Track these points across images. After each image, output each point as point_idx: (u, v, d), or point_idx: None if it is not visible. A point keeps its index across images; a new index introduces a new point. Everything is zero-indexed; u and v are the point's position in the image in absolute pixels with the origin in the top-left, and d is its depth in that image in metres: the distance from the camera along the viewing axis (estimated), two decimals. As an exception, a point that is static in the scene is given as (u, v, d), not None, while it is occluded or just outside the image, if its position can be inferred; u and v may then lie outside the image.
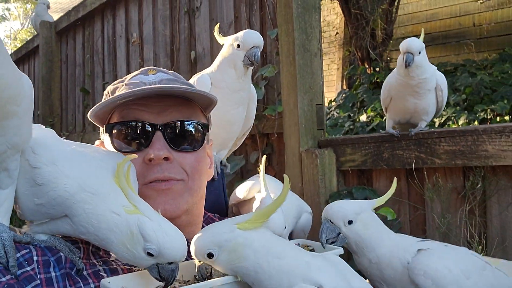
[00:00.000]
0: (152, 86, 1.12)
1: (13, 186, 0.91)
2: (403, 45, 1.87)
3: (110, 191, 0.89)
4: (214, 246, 0.84)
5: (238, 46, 1.55)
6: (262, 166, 1.14)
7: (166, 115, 1.14)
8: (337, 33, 8.91)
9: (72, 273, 0.96)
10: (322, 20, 9.45)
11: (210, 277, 0.87)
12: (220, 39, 1.63)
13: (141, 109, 1.13)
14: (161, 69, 1.26)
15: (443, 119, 4.93)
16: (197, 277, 0.91)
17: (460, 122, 4.69)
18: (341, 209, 1.22)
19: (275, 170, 2.66)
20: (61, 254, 0.97)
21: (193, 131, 1.17)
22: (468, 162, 1.88)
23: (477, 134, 1.86)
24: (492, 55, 6.68)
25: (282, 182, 1.35)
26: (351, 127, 5.81)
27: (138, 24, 3.86)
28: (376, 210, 2.19)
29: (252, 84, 1.74)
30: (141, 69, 1.28)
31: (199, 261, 0.88)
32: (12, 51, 6.61)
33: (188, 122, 1.16)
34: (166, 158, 1.11)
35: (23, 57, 5.93)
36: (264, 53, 2.71)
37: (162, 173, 1.10)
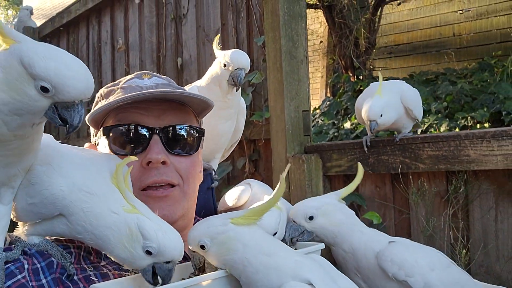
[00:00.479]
0: (153, 90, 1.13)
1: (12, 202, 0.91)
2: (364, 115, 1.94)
3: (107, 191, 0.88)
4: (207, 237, 0.86)
5: (225, 65, 1.56)
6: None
7: (163, 119, 1.15)
8: (321, 41, 9.02)
9: (63, 278, 0.95)
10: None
11: (203, 268, 0.89)
12: (216, 51, 1.64)
13: (139, 113, 1.14)
14: (155, 73, 1.28)
15: (425, 126, 5.02)
16: (190, 274, 0.93)
17: (442, 129, 4.79)
18: (300, 207, 1.27)
19: (262, 176, 2.68)
20: (53, 259, 0.96)
21: (189, 136, 1.19)
22: (451, 167, 1.92)
23: (459, 139, 1.91)
24: (472, 64, 6.84)
25: (273, 187, 1.38)
26: (335, 134, 5.87)
27: (124, 31, 3.85)
28: (362, 214, 2.23)
29: (241, 97, 1.74)
30: (136, 73, 1.29)
31: (193, 251, 0.90)
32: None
33: (184, 127, 1.18)
34: (163, 162, 1.11)
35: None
36: (251, 59, 2.73)
37: (159, 177, 1.11)
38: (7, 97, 0.72)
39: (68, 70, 0.72)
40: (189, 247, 0.91)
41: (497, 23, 7.38)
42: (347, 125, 5.89)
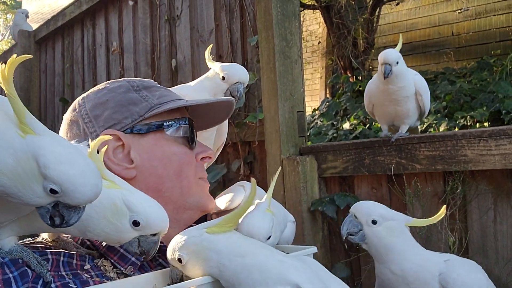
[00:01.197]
0: (220, 98, 1.32)
1: None
2: (381, 56, 1.92)
3: None
4: (183, 250, 0.84)
5: (223, 78, 1.52)
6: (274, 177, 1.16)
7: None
8: (319, 42, 8.99)
9: (38, 287, 0.91)
10: (305, 29, 9.54)
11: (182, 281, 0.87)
12: (210, 63, 1.60)
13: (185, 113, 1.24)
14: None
15: (425, 126, 4.98)
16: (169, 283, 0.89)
17: (441, 128, 4.75)
18: (368, 207, 1.24)
19: (258, 178, 2.63)
20: (26, 268, 0.92)
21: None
22: (448, 167, 1.88)
23: (456, 139, 1.87)
24: (471, 63, 6.81)
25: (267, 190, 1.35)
26: (334, 135, 5.83)
27: (118, 33, 3.82)
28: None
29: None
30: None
31: (172, 266, 0.88)
32: (-10, 61, 6.47)
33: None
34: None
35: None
36: (245, 60, 2.70)
37: (206, 171, 1.27)
38: (10, 184, 0.70)
39: (81, 178, 0.71)
40: (168, 261, 0.89)
41: (495, 22, 7.34)
42: (346, 125, 5.85)
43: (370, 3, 6.97)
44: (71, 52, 4.48)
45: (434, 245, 1.94)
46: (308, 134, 6.13)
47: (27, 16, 5.56)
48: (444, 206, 1.26)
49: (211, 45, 1.66)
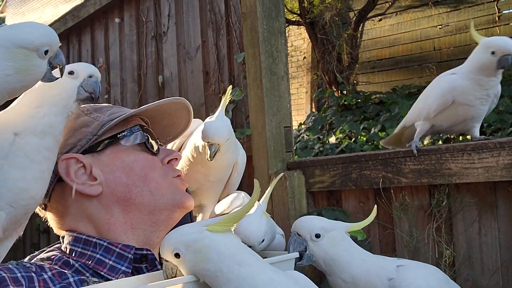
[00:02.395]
0: (164, 99, 1.30)
1: None
2: (506, 46, 1.73)
3: None
4: (182, 245, 0.83)
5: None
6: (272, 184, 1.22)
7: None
8: (304, 57, 9.11)
9: None
10: (290, 45, 9.66)
11: (175, 277, 0.86)
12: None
13: (140, 121, 1.28)
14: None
15: (409, 139, 5.06)
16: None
17: (425, 142, 4.82)
18: (309, 222, 1.23)
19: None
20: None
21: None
22: (433, 181, 1.92)
23: (440, 153, 1.90)
24: (453, 77, 6.95)
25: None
26: (320, 149, 5.89)
27: (105, 50, 3.82)
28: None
29: (242, 149, 1.68)
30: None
31: (166, 261, 0.87)
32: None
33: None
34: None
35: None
36: (231, 77, 2.73)
37: (179, 172, 1.27)
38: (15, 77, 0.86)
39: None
40: (162, 256, 0.89)
41: (475, 37, 7.53)
42: (332, 140, 5.91)
43: (354, 19, 7.11)
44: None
45: (421, 257, 1.96)
46: (294, 148, 6.17)
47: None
48: (376, 207, 1.34)
49: (230, 87, 1.54)
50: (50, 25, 4.35)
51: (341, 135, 5.92)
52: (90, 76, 1.06)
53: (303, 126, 7.02)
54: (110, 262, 1.07)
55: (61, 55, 0.95)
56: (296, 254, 1.09)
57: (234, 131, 2.57)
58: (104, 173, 1.15)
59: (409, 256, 2.01)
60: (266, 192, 1.09)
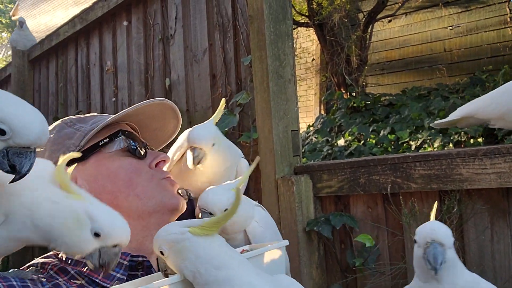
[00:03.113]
0: (150, 99, 1.26)
1: None
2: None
3: (45, 184, 0.88)
4: (165, 244, 0.87)
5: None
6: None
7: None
8: (313, 59, 9.06)
9: None
10: (298, 47, 9.60)
11: (166, 271, 0.91)
12: None
13: (124, 127, 1.25)
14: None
15: (419, 142, 4.99)
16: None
17: (436, 144, 4.76)
18: (445, 230, 1.20)
19: (253, 198, 2.60)
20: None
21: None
22: (444, 186, 1.87)
23: (451, 157, 1.86)
24: (463, 79, 6.87)
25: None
26: (329, 151, 5.83)
27: (112, 52, 3.83)
28: (354, 236, 2.16)
29: (244, 158, 1.60)
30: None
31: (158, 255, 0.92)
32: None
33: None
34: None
35: (-5, 86, 5.81)
36: (238, 80, 2.70)
37: (167, 174, 1.25)
38: None
39: (28, 115, 0.76)
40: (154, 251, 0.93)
41: (487, 38, 7.44)
42: (341, 142, 5.85)
43: (363, 20, 7.05)
44: (65, 71, 4.47)
45: (431, 265, 1.92)
46: (303, 151, 6.13)
47: (21, 26, 5.38)
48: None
49: (224, 101, 1.43)
50: (59, 28, 4.38)
51: (350, 138, 5.87)
52: (115, 246, 0.90)
53: (311, 128, 6.97)
54: None
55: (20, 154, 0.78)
56: (286, 242, 1.07)
57: (241, 135, 2.57)
58: (89, 183, 1.14)
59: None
60: (245, 173, 1.11)
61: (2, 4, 27.35)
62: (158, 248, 0.88)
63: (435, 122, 2.36)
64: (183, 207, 1.21)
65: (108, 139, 1.18)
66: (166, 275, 0.90)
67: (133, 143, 1.20)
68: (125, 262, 1.08)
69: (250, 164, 2.52)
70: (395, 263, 2.06)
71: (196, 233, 0.85)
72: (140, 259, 1.12)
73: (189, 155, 1.31)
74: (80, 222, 0.85)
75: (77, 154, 0.94)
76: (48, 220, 0.84)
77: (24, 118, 0.75)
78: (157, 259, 1.06)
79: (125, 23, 3.66)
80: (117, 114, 1.19)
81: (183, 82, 3.09)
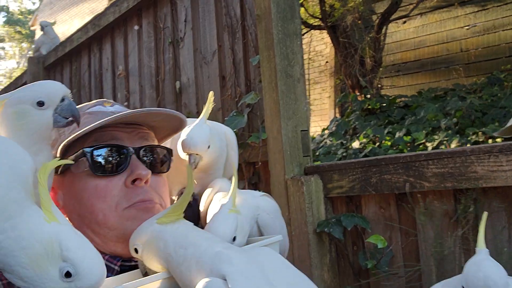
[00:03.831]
0: (132, 110, 1.11)
1: None
2: None
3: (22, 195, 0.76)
4: (137, 241, 0.88)
5: None
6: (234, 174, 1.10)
7: (135, 137, 1.14)
8: (327, 62, 9.01)
9: None
10: (312, 49, 9.57)
11: (146, 273, 0.91)
12: None
13: (114, 130, 1.12)
14: (114, 102, 1.26)
15: (436, 143, 4.89)
16: None
17: (453, 145, 4.65)
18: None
19: (263, 200, 2.57)
20: None
21: (161, 155, 1.18)
22: (458, 185, 1.81)
23: (465, 155, 1.79)
24: (481, 79, 6.73)
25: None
26: (344, 154, 5.76)
27: (124, 57, 3.85)
28: (366, 237, 2.10)
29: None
30: (96, 100, 1.25)
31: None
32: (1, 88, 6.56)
33: (156, 146, 1.18)
34: (146, 181, 1.10)
35: (12, 93, 5.91)
36: (248, 80, 2.68)
37: (146, 195, 1.08)
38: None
39: (94, 263, 0.75)
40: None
41: (504, 37, 7.28)
42: (356, 144, 5.78)
43: (376, 21, 6.97)
44: (79, 77, 4.53)
45: (447, 266, 1.85)
46: (317, 154, 6.06)
47: (42, 29, 5.44)
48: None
49: (212, 94, 1.37)
50: (73, 35, 4.43)
51: (364, 140, 5.79)
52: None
53: (326, 131, 6.91)
54: None
55: (67, 105, 0.91)
56: (279, 237, 1.04)
57: (250, 136, 2.54)
58: (64, 199, 1.09)
59: (434, 265, 1.90)
60: (232, 186, 1.05)
61: (21, 15, 28.02)
62: (132, 246, 0.89)
63: (500, 130, 2.30)
64: None
65: (74, 159, 1.07)
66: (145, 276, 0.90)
67: (100, 161, 1.06)
68: (116, 267, 1.04)
69: (258, 164, 2.50)
70: (409, 265, 1.99)
71: (163, 222, 0.87)
72: (133, 263, 1.06)
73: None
74: (50, 254, 0.71)
75: (69, 161, 0.93)
76: (12, 244, 0.71)
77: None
78: None
79: (136, 27, 3.69)
80: (93, 126, 1.04)
81: (193, 85, 3.08)
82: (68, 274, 0.71)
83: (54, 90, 0.90)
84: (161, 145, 1.21)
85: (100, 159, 1.07)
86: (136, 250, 0.89)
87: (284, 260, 0.93)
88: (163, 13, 3.41)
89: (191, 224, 0.91)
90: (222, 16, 2.85)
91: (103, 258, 1.02)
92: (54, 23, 5.54)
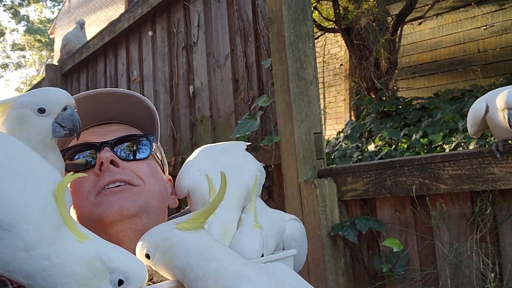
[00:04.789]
0: (90, 91, 1.10)
1: None
2: (502, 102, 1.57)
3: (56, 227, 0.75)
4: (151, 246, 0.81)
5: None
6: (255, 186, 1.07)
7: (111, 134, 1.11)
8: (341, 64, 8.95)
9: None
10: (326, 52, 9.49)
11: (151, 280, 0.85)
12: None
13: (87, 134, 1.11)
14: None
15: (453, 145, 4.80)
16: None
17: (471, 147, 4.56)
18: None
19: (276, 203, 2.56)
20: None
21: (137, 143, 1.13)
22: (475, 187, 1.77)
23: (482, 156, 1.76)
24: (499, 79, 6.60)
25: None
26: (359, 157, 5.70)
27: (139, 62, 3.89)
28: (381, 241, 2.07)
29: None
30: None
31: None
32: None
33: (132, 135, 1.13)
34: (115, 164, 1.04)
35: (31, 100, 6.02)
36: (260, 83, 2.68)
37: (114, 176, 1.02)
38: (21, 139, 0.78)
39: (136, 263, 0.77)
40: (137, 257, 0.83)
41: (523, 36, 7.13)
42: (371, 147, 5.71)
43: (391, 23, 6.91)
44: (95, 83, 4.59)
45: (464, 271, 1.81)
46: (332, 157, 6.01)
47: (81, 28, 5.59)
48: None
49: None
50: (89, 42, 4.50)
51: (380, 143, 5.72)
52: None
53: (341, 134, 6.85)
54: None
55: (68, 115, 0.88)
56: (294, 251, 1.01)
57: (262, 139, 2.53)
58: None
59: (450, 269, 1.86)
60: (252, 199, 1.02)
61: (41, 24, 28.61)
62: (144, 251, 0.81)
63: None
64: (116, 214, 1.00)
65: None
66: (152, 283, 0.84)
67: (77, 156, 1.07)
68: None
69: (271, 167, 2.48)
70: (425, 269, 1.95)
71: (184, 228, 0.81)
72: None
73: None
74: (94, 272, 0.72)
75: (83, 175, 0.87)
76: (62, 278, 0.71)
77: (135, 266, 0.76)
78: None
79: (150, 33, 3.72)
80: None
81: (206, 89, 3.09)
82: (120, 282, 0.73)
83: (56, 98, 0.88)
84: (137, 133, 1.15)
85: (73, 159, 1.09)
86: (148, 256, 0.80)
87: (299, 276, 0.89)
88: (176, 18, 3.43)
89: (212, 235, 0.85)
90: (235, 19, 2.86)
91: None
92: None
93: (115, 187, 1.02)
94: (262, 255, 0.94)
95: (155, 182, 1.11)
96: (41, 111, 0.85)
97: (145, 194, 1.05)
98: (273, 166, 2.45)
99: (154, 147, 1.16)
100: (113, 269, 0.72)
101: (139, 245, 0.83)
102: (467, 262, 1.81)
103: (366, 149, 5.80)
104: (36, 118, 0.85)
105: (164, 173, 1.22)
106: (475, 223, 1.79)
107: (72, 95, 1.01)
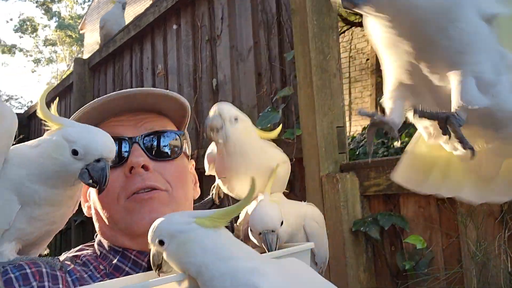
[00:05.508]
0: (122, 91, 1.10)
1: None
2: None
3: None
4: (167, 234, 0.78)
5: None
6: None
7: (141, 126, 1.11)
8: (367, 59, 8.81)
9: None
10: (353, 47, 9.36)
11: (160, 265, 0.81)
12: None
13: (117, 125, 1.10)
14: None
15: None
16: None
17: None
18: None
19: (298, 197, 2.53)
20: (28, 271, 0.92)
21: (169, 140, 1.13)
22: (504, 183, 1.69)
23: (512, 151, 1.68)
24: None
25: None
26: (385, 153, 5.60)
27: (163, 56, 3.92)
28: (404, 237, 2.02)
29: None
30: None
31: (154, 246, 0.82)
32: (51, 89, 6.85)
33: (163, 131, 1.13)
34: (145, 168, 1.05)
35: (60, 94, 6.17)
36: (283, 76, 2.65)
37: (143, 182, 1.04)
38: (47, 164, 0.89)
39: (95, 136, 0.90)
40: (149, 240, 0.82)
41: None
42: (397, 143, 5.60)
43: (420, 17, 6.74)
44: (121, 76, 4.66)
45: (491, 271, 1.74)
46: (357, 153, 5.93)
47: (123, 8, 5.61)
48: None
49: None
50: (115, 35, 4.57)
51: (406, 139, 5.60)
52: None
53: (367, 130, 6.75)
54: (127, 269, 1.04)
55: (99, 168, 0.88)
56: (312, 245, 0.98)
57: (284, 132, 2.51)
58: (91, 196, 1.14)
59: (477, 269, 1.79)
60: (269, 183, 1.02)
61: (72, 20, 29.31)
62: (158, 236, 0.79)
63: None
64: (145, 230, 0.94)
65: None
66: (160, 273, 0.81)
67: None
68: (143, 263, 1.04)
69: (292, 161, 2.45)
70: (450, 268, 1.90)
71: (204, 225, 0.77)
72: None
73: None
74: (59, 146, 0.87)
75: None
76: (37, 158, 0.89)
77: (91, 136, 0.89)
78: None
79: (174, 26, 3.74)
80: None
81: (229, 82, 3.08)
82: (75, 152, 0.88)
83: (94, 147, 0.88)
84: (168, 129, 1.14)
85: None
86: (161, 242, 0.79)
87: (315, 272, 0.87)
88: (200, 12, 3.44)
89: (229, 234, 0.82)
90: (258, 12, 2.84)
91: (131, 253, 1.04)
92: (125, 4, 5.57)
93: (144, 192, 1.05)
94: (282, 223, 0.94)
95: (182, 187, 1.13)
96: (75, 153, 0.88)
97: (172, 202, 1.08)
98: (294, 160, 2.42)
99: (184, 145, 1.17)
100: (72, 143, 0.88)
101: (153, 228, 0.80)
102: (495, 261, 1.75)
103: (392, 146, 5.69)
104: (69, 156, 0.88)
105: (188, 158, 1.22)
106: (503, 221, 1.73)
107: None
